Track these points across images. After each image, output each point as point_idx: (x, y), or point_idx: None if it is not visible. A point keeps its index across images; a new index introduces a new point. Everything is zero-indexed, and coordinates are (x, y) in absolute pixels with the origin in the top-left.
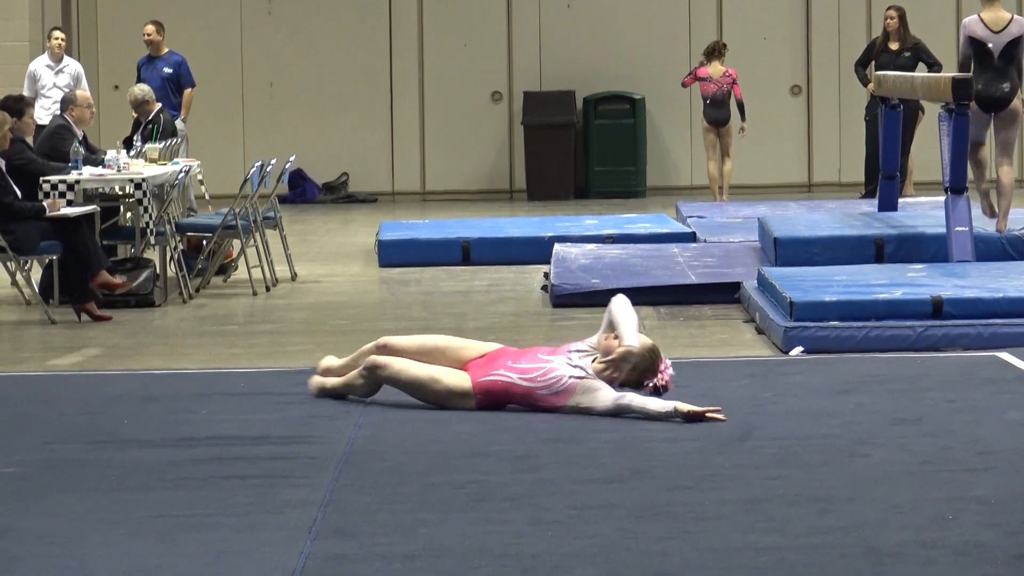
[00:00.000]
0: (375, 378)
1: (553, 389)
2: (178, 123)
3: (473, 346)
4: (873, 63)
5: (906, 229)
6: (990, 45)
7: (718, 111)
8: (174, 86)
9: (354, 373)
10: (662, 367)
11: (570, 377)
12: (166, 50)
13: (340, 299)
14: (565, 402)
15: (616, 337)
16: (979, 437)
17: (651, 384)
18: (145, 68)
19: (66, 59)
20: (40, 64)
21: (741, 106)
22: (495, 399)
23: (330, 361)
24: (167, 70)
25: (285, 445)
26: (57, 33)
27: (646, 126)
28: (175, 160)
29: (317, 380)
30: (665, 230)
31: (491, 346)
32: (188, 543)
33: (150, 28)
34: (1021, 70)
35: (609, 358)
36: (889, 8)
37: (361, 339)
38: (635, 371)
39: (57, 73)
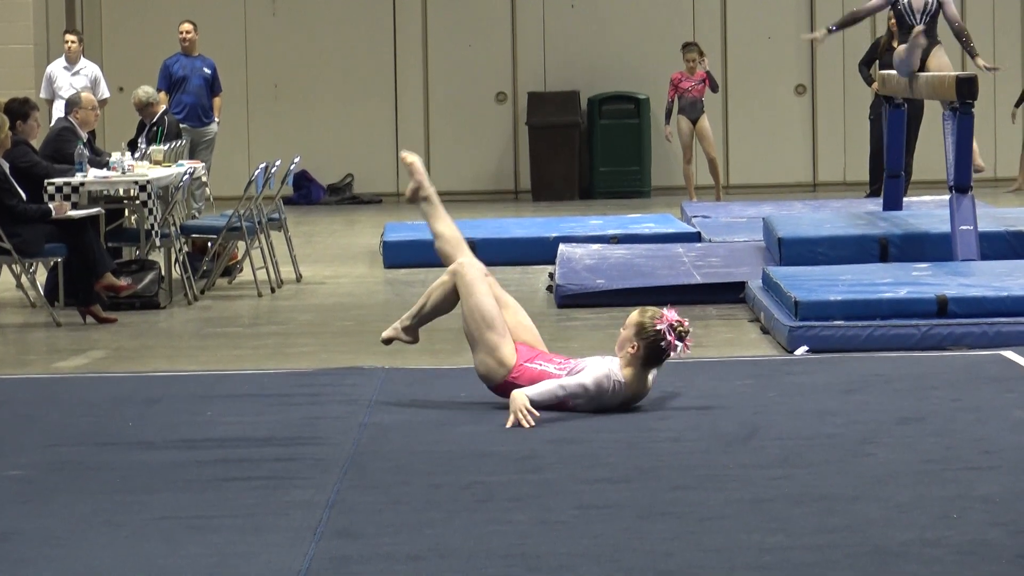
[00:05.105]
0: (451, 284)
1: (571, 372)
2: (214, 127)
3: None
4: (877, 62)
5: (911, 228)
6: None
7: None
8: (209, 88)
9: (431, 288)
10: (661, 318)
11: (588, 363)
12: (197, 52)
13: (345, 300)
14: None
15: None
16: (984, 436)
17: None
18: (179, 66)
19: (83, 61)
20: (57, 66)
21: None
22: (524, 382)
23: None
24: (206, 71)
25: (290, 447)
26: (68, 36)
27: (651, 126)
28: (180, 162)
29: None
30: (670, 230)
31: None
32: (193, 545)
33: (188, 27)
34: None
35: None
36: None
37: (366, 340)
38: (643, 335)
39: (73, 75)
